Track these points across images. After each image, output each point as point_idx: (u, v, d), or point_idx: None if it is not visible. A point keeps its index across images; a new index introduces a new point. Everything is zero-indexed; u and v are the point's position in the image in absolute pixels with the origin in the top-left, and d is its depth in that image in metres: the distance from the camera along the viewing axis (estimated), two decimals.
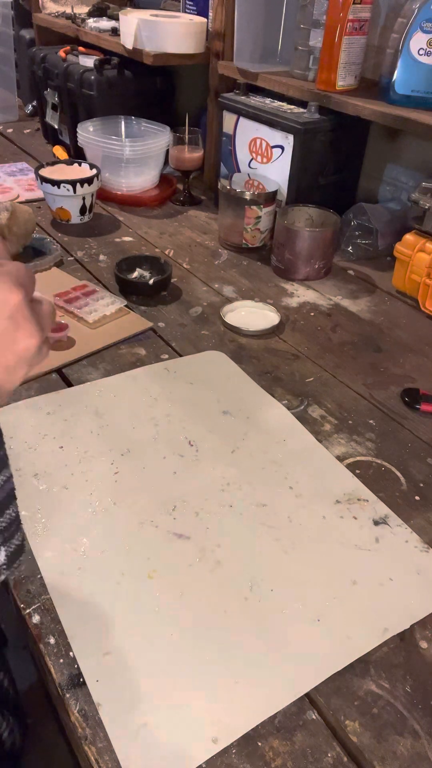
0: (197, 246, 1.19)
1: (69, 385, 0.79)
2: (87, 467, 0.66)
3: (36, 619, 0.52)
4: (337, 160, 1.18)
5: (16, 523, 0.39)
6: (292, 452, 0.71)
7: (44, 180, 1.17)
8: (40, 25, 1.73)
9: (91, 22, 1.53)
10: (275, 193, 1.14)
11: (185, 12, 1.38)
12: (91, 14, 1.61)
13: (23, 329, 0.38)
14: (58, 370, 0.82)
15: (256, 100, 1.20)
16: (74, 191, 1.17)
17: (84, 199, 1.20)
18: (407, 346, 0.94)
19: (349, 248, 1.19)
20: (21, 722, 0.62)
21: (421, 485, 0.68)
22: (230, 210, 1.14)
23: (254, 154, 1.22)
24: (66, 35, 1.60)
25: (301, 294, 1.06)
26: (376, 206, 1.20)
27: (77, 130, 1.33)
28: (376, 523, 0.63)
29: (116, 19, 1.49)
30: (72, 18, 1.61)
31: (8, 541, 0.38)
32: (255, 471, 0.68)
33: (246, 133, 1.22)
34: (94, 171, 1.22)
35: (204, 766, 0.44)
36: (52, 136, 1.61)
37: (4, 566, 0.37)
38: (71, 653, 0.49)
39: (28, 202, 1.29)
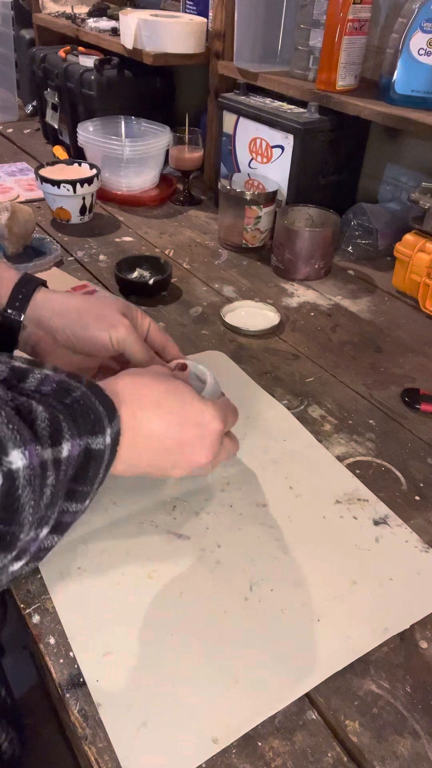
0: (197, 246, 1.19)
1: None
2: None
3: (36, 619, 0.52)
4: (337, 160, 1.18)
5: (48, 550, 0.41)
6: (292, 452, 0.71)
7: (44, 180, 1.17)
8: (40, 25, 1.73)
9: (91, 22, 1.53)
10: (275, 193, 1.14)
11: (185, 12, 1.38)
12: (91, 14, 1.61)
13: (205, 448, 0.48)
14: None
15: (256, 100, 1.20)
16: (74, 191, 1.17)
17: (84, 199, 1.20)
18: (407, 346, 0.94)
19: (349, 248, 1.19)
20: (20, 732, 0.62)
21: (421, 485, 0.68)
22: (230, 210, 1.14)
23: (254, 154, 1.22)
24: (66, 35, 1.60)
25: (301, 294, 1.06)
26: (376, 206, 1.20)
27: (77, 130, 1.33)
28: (376, 523, 0.63)
29: (116, 19, 1.49)
30: (72, 18, 1.61)
31: (33, 560, 0.39)
32: (255, 471, 0.68)
33: (246, 133, 1.22)
34: (94, 171, 1.22)
35: (204, 766, 0.44)
36: (52, 136, 1.61)
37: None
38: (71, 653, 0.49)
39: (28, 202, 1.29)
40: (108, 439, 0.41)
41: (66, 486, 0.38)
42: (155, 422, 0.45)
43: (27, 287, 0.58)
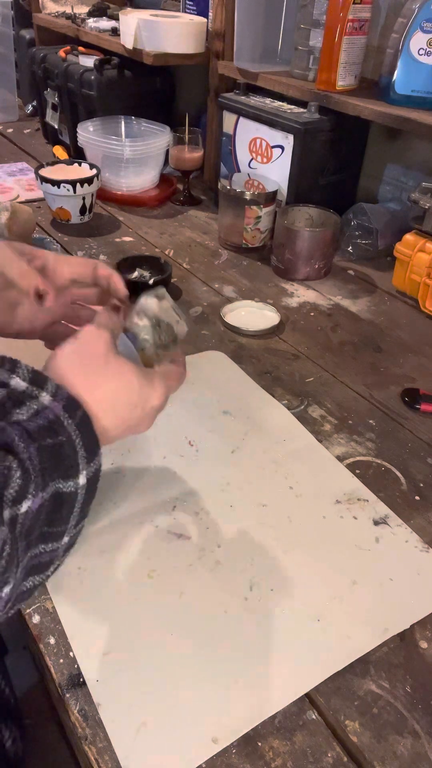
0: (197, 246, 1.19)
1: None
2: None
3: (36, 619, 0.52)
4: (337, 160, 1.18)
5: (33, 590, 0.40)
6: (292, 452, 0.71)
7: (44, 180, 1.17)
8: (40, 25, 1.73)
9: (91, 22, 1.53)
10: (275, 193, 1.14)
11: (185, 12, 1.38)
12: (91, 14, 1.61)
13: (147, 423, 0.48)
14: None
15: (256, 100, 1.20)
16: (74, 191, 1.17)
17: (84, 199, 1.20)
18: (407, 346, 0.94)
19: (349, 248, 1.18)
20: (22, 730, 0.62)
21: (421, 485, 0.68)
22: (230, 210, 1.14)
23: (254, 154, 1.22)
24: (66, 35, 1.60)
25: (301, 294, 1.06)
26: (376, 206, 1.20)
27: (77, 130, 1.33)
28: (376, 523, 0.63)
29: (116, 19, 1.49)
30: (72, 18, 1.61)
31: (17, 603, 0.39)
32: (255, 471, 0.68)
33: (246, 133, 1.22)
34: (94, 171, 1.22)
35: (204, 766, 0.44)
36: (52, 136, 1.61)
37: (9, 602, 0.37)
38: (71, 653, 0.49)
39: (28, 202, 1.29)
40: (82, 481, 0.40)
41: (27, 537, 0.37)
42: (111, 427, 0.45)
43: None
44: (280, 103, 1.19)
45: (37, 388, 0.40)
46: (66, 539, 0.41)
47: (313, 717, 0.47)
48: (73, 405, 0.41)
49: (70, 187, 1.17)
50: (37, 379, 0.41)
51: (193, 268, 1.11)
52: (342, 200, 1.22)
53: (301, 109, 1.14)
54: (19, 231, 1.05)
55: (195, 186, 1.42)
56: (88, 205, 1.22)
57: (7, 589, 0.35)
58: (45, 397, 0.40)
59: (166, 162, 1.36)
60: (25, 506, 0.36)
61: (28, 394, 0.40)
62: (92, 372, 0.45)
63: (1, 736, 0.59)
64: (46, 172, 1.20)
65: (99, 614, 0.52)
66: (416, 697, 0.49)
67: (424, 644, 0.53)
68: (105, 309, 0.55)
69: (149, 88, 1.48)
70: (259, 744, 0.45)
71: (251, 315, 0.96)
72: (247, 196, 1.11)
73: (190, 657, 0.50)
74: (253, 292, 1.05)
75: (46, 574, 0.41)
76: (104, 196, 1.34)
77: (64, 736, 0.51)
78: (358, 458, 0.71)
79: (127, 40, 1.30)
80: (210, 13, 1.31)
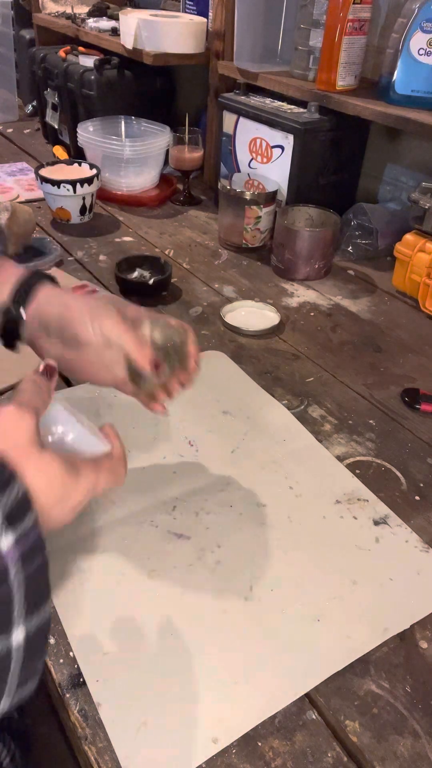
0: (197, 246, 1.19)
1: (69, 384, 0.79)
2: None
3: None
4: (337, 160, 1.18)
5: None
6: (292, 452, 0.71)
7: (44, 180, 1.17)
8: (40, 25, 1.73)
9: (91, 22, 1.53)
10: (275, 193, 1.14)
11: (185, 12, 1.38)
12: (91, 14, 1.61)
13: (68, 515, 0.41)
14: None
15: (256, 100, 1.20)
16: (74, 191, 1.17)
17: (84, 199, 1.20)
18: (407, 346, 0.94)
19: (349, 248, 1.18)
20: (24, 748, 0.60)
21: (421, 485, 0.68)
22: (230, 210, 1.14)
23: (254, 154, 1.22)
24: (66, 35, 1.60)
25: (301, 294, 1.06)
26: (376, 206, 1.20)
27: (77, 130, 1.33)
28: (376, 523, 0.63)
29: (116, 19, 1.49)
30: (72, 18, 1.61)
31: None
32: (255, 471, 0.68)
33: (246, 133, 1.22)
34: (94, 171, 1.22)
35: (204, 766, 0.44)
36: (52, 136, 1.61)
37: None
38: (71, 653, 0.49)
39: (28, 202, 1.29)
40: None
41: None
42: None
43: (31, 282, 0.57)
44: (280, 103, 1.19)
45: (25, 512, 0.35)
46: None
47: (313, 717, 0.47)
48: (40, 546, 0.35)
49: (70, 187, 1.17)
50: (24, 507, 0.35)
51: (193, 268, 1.11)
52: (342, 200, 1.22)
53: (301, 109, 1.14)
54: (19, 231, 1.06)
55: (195, 186, 1.42)
56: (88, 205, 1.22)
57: None
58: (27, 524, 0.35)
59: (166, 162, 1.36)
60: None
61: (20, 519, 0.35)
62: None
63: None
64: (46, 172, 1.20)
65: (99, 614, 0.52)
66: (416, 697, 0.49)
67: (424, 644, 0.53)
68: (32, 377, 0.44)
69: (149, 88, 1.48)
70: (259, 744, 0.45)
71: (251, 315, 0.96)
72: (247, 196, 1.11)
73: (190, 657, 0.50)
74: (253, 292, 1.05)
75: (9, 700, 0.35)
76: (104, 196, 1.34)
77: (64, 736, 0.50)
78: (358, 458, 0.71)
79: (127, 40, 1.30)
80: (210, 13, 1.31)
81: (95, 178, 1.20)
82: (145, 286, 1.00)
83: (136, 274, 1.03)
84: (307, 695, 0.48)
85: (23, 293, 0.56)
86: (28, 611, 0.34)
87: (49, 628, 0.37)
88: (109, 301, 0.57)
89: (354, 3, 1.00)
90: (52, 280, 0.59)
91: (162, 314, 0.60)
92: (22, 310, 0.56)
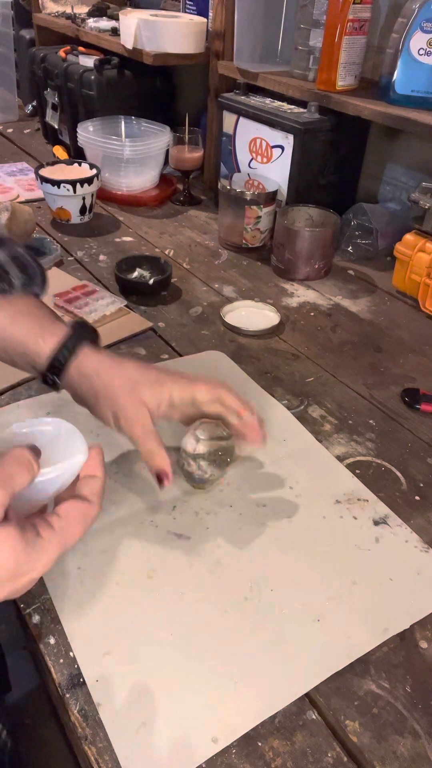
0: (197, 246, 1.19)
1: None
2: None
3: (36, 619, 0.52)
4: (337, 160, 1.18)
5: None
6: (292, 452, 0.71)
7: (44, 180, 1.17)
8: (40, 25, 1.73)
9: (91, 22, 1.53)
10: (275, 193, 1.14)
11: (185, 12, 1.38)
12: (91, 14, 1.61)
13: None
14: None
15: (256, 100, 1.20)
16: (74, 191, 1.17)
17: (84, 199, 1.20)
18: (407, 346, 0.94)
19: (349, 248, 1.19)
20: (9, 721, 0.60)
21: (421, 485, 0.68)
22: (230, 210, 1.14)
23: (254, 154, 1.22)
24: (66, 35, 1.60)
25: (301, 294, 1.06)
26: (376, 206, 1.20)
27: (77, 130, 1.33)
28: (376, 523, 0.63)
29: (116, 19, 1.49)
30: (72, 18, 1.61)
31: None
32: (255, 471, 0.68)
33: (246, 133, 1.22)
34: (94, 171, 1.22)
35: (204, 766, 0.44)
36: (52, 136, 1.61)
37: None
38: (71, 653, 0.49)
39: (28, 202, 1.29)
40: None
41: None
42: None
43: (70, 346, 0.56)
44: (280, 103, 1.19)
45: None
46: None
47: (313, 717, 0.47)
48: None
49: (70, 187, 1.17)
50: None
51: (193, 268, 1.11)
52: (342, 200, 1.22)
53: (301, 109, 1.14)
54: (19, 231, 1.06)
55: (195, 186, 1.42)
56: (88, 205, 1.22)
57: None
58: None
59: (166, 162, 1.36)
60: None
61: None
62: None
63: None
64: (46, 172, 1.20)
65: (99, 614, 0.52)
66: (416, 697, 0.49)
67: (424, 644, 0.53)
68: (17, 452, 0.40)
69: (149, 88, 1.48)
70: (259, 744, 0.45)
71: (251, 315, 0.96)
72: (247, 196, 1.11)
73: (190, 657, 0.50)
74: (253, 292, 1.05)
75: None
76: (104, 196, 1.34)
77: (65, 736, 0.50)
78: (358, 458, 0.71)
79: (127, 40, 1.30)
80: (210, 13, 1.31)
81: (95, 178, 1.20)
82: (145, 286, 1.00)
83: (136, 274, 1.03)
84: (307, 695, 0.48)
85: (59, 364, 0.56)
86: None
87: None
88: (153, 381, 0.56)
89: (354, 3, 1.00)
90: (92, 338, 0.59)
91: (207, 383, 0.59)
92: (57, 379, 0.57)
